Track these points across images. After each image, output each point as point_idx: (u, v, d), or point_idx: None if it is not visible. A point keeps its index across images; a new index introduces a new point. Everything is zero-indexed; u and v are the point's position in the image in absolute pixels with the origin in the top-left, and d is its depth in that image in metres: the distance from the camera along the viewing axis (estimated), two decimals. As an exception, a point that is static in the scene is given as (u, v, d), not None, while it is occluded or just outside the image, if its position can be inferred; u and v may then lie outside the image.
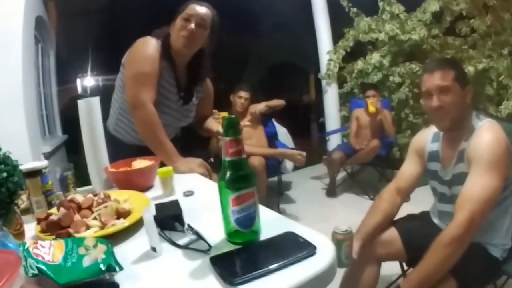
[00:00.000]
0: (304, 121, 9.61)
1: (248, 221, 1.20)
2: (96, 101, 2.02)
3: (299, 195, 5.68)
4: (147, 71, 2.28)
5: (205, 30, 2.38)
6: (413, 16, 6.54)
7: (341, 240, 1.86)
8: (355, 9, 6.89)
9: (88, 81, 7.33)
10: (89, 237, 1.16)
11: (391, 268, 2.59)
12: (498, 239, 2.10)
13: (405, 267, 2.54)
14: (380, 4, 6.58)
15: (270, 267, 1.02)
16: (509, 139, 2.00)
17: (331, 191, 5.60)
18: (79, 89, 7.27)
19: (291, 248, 1.12)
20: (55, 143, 5.32)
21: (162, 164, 2.05)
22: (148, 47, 2.34)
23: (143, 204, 1.47)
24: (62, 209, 1.37)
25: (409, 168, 2.40)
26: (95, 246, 1.07)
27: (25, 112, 4.15)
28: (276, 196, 5.39)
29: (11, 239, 1.02)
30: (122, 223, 1.34)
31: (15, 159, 1.37)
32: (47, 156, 4.59)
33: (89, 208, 1.43)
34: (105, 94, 2.71)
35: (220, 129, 2.23)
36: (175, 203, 1.47)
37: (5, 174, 1.28)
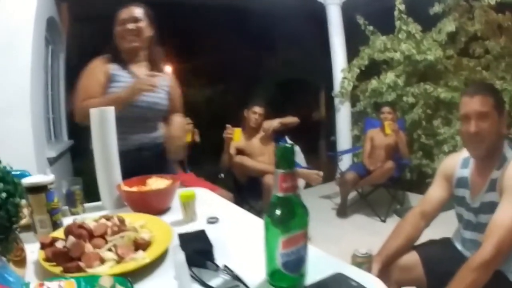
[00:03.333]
0: (315, 139, 9.58)
1: (297, 265, 1.09)
2: (110, 111, 1.89)
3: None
4: (86, 84, 2.52)
5: (142, 22, 2.59)
6: (429, 36, 6.42)
7: (360, 263, 1.84)
8: (371, 27, 6.78)
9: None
10: (105, 274, 0.98)
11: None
12: None
13: None
14: (397, 23, 6.45)
15: None
16: None
17: (342, 212, 5.48)
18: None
19: None
20: (61, 148, 5.16)
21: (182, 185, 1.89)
22: (90, 66, 2.58)
23: (164, 233, 1.32)
24: (71, 238, 1.18)
25: (435, 192, 2.34)
26: (112, 287, 0.90)
27: (32, 115, 4.00)
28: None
29: (12, 271, 0.93)
30: (143, 259, 1.15)
31: (17, 171, 1.16)
32: (52, 161, 4.45)
33: (103, 236, 1.23)
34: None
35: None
36: (202, 235, 1.32)
37: (4, 195, 1.07)
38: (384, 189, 5.66)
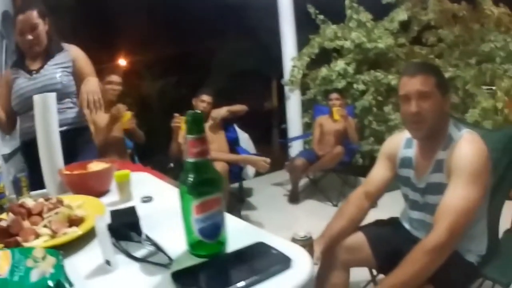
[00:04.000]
0: (266, 127, 9.66)
1: (214, 231, 1.11)
2: (52, 97, 1.93)
3: (261, 202, 5.61)
4: None
5: (40, 27, 2.70)
6: (380, 25, 6.61)
7: (300, 246, 1.82)
8: (322, 17, 6.91)
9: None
10: (38, 247, 1.06)
11: (364, 275, 2.59)
12: (473, 245, 2.09)
13: (375, 273, 2.52)
14: (348, 12, 6.61)
15: (240, 283, 0.93)
16: None
17: (294, 198, 5.56)
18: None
19: (263, 261, 1.05)
20: (15, 145, 5.13)
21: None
22: None
23: (97, 211, 1.39)
24: (10, 215, 1.27)
25: (378, 172, 2.34)
26: (44, 258, 0.97)
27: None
28: (238, 203, 5.33)
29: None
30: (74, 232, 1.25)
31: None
32: (6, 158, 4.44)
33: (40, 214, 1.32)
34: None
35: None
36: (132, 210, 1.36)
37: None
38: (335, 174, 5.77)
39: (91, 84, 2.68)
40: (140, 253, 1.14)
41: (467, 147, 1.92)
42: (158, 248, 1.14)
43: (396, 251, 1.90)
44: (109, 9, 8.58)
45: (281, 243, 1.13)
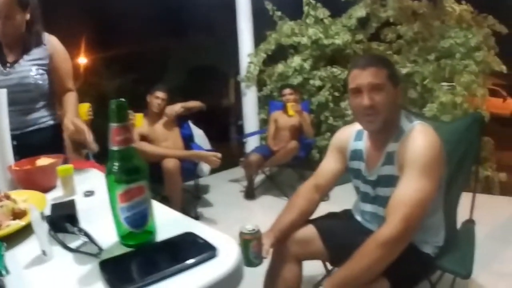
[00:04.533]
0: (224, 123, 9.68)
1: (140, 220, 1.13)
2: (3, 93, 1.92)
3: (217, 199, 5.63)
4: None
5: (15, 15, 2.42)
6: (338, 22, 6.70)
7: (248, 240, 1.85)
8: (279, 13, 6.97)
9: None
10: None
11: (320, 269, 2.61)
12: (429, 237, 2.11)
13: (330, 267, 2.54)
14: (305, 8, 6.68)
15: (165, 271, 0.97)
16: None
17: (250, 194, 5.60)
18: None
19: (190, 250, 1.07)
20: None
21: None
22: None
23: (40, 205, 1.42)
24: None
25: (329, 165, 2.33)
26: None
27: None
28: (194, 200, 5.35)
29: None
30: (17, 224, 1.29)
31: None
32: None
33: (-13, 208, 1.36)
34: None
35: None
36: (71, 203, 1.41)
37: None
38: (291, 170, 5.87)
39: (76, 115, 2.55)
40: (74, 244, 1.16)
41: (419, 139, 1.92)
42: (90, 239, 1.16)
43: (348, 243, 1.87)
44: (68, 6, 8.50)
45: (209, 233, 1.16)
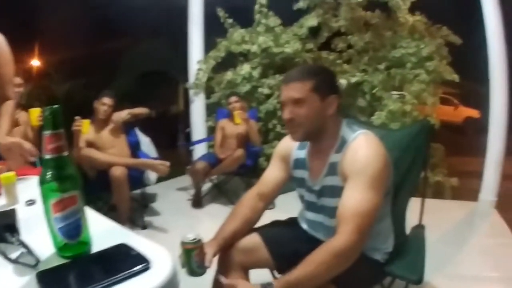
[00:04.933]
0: (172, 131, 9.60)
1: (74, 231, 1.13)
2: None
3: (165, 207, 5.59)
4: None
5: None
6: (289, 30, 6.77)
7: (189, 249, 1.83)
8: (230, 20, 6.98)
9: None
10: None
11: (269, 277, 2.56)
12: (378, 243, 2.13)
13: (277, 275, 2.46)
14: (257, 16, 6.73)
15: (98, 284, 0.97)
16: None
17: (197, 202, 5.59)
18: None
19: (123, 262, 1.07)
20: None
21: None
22: None
23: None
24: None
25: (272, 173, 2.33)
26: None
27: None
28: (141, 209, 5.28)
29: None
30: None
31: None
32: None
33: None
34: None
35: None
36: (11, 213, 1.39)
37: None
38: (239, 178, 5.88)
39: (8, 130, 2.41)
40: (14, 254, 1.15)
41: (362, 150, 1.92)
42: (28, 250, 1.15)
43: (294, 251, 1.90)
44: (16, 8, 8.35)
45: (144, 244, 1.17)
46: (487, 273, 3.61)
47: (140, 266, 1.05)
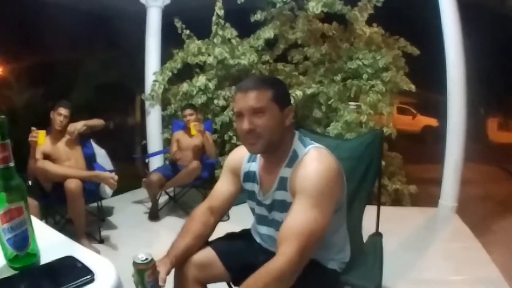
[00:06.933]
0: (128, 143, 9.62)
1: (21, 242, 1.16)
2: None
3: (122, 221, 5.61)
4: None
5: None
6: (246, 42, 6.88)
7: (141, 270, 1.75)
8: (187, 31, 7.06)
9: None
10: None
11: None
12: (334, 254, 2.15)
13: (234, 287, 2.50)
14: (214, 27, 6.78)
15: None
16: (335, 154, 2.02)
17: (154, 215, 5.63)
18: None
19: (68, 274, 1.12)
20: None
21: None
22: None
23: None
24: None
25: (223, 186, 2.32)
26: None
27: None
28: (98, 222, 5.24)
29: None
30: None
31: None
32: None
33: None
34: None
35: None
36: None
37: None
38: (196, 190, 5.94)
39: None
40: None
41: (312, 166, 1.91)
42: None
43: (249, 263, 1.88)
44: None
45: (90, 256, 1.23)
46: (451, 277, 3.78)
47: (84, 278, 1.10)
